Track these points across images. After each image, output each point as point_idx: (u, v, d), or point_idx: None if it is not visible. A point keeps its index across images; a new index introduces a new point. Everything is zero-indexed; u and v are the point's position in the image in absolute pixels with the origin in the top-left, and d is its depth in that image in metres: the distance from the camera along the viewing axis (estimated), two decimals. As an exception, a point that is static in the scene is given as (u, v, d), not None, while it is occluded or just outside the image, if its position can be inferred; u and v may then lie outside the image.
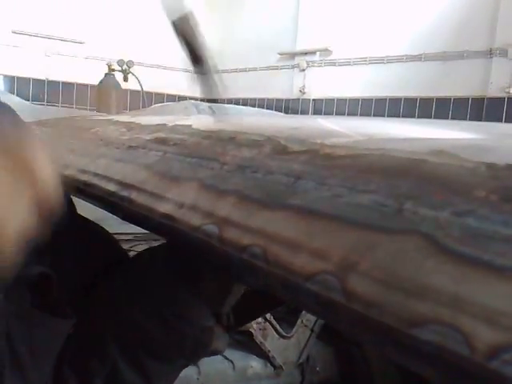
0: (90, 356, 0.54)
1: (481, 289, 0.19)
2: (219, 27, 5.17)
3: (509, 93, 3.43)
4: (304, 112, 4.43)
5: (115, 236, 1.26)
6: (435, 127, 0.55)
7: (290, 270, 0.26)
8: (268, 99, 4.71)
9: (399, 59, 3.88)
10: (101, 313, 0.57)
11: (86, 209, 0.58)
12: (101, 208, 0.49)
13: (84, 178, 0.47)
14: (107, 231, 0.67)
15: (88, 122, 0.82)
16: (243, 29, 4.91)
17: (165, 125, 0.52)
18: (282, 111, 4.39)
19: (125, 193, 0.40)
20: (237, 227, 0.30)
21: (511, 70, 3.44)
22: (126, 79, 2.92)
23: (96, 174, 0.45)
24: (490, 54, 3.56)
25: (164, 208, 0.36)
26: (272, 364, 1.54)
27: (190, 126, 0.48)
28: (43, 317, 0.48)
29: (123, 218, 0.44)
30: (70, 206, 0.57)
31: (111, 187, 0.42)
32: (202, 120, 0.53)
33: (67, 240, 0.51)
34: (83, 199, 0.53)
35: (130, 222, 0.43)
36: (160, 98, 4.71)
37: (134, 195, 0.39)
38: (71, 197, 0.55)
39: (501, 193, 0.23)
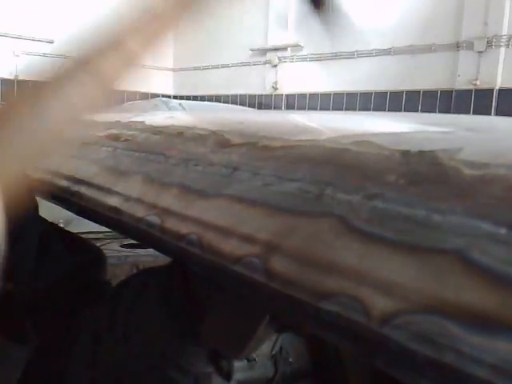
0: None
1: (379, 263, 0.21)
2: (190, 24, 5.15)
3: (476, 85, 3.51)
4: (277, 107, 4.46)
5: (86, 235, 1.25)
6: (384, 119, 0.57)
7: (221, 255, 0.27)
8: (241, 95, 4.72)
9: (369, 54, 3.94)
10: (79, 350, 0.52)
11: (54, 208, 0.57)
12: (57, 205, 0.50)
13: (38, 175, 0.48)
14: (70, 232, 0.65)
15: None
16: (214, 25, 4.90)
17: (119, 121, 0.53)
18: (255, 107, 4.41)
19: (75, 188, 0.41)
20: (177, 217, 0.32)
21: (478, 62, 3.52)
22: (95, 77, 2.89)
23: (49, 171, 0.46)
24: (457, 47, 3.63)
25: (111, 201, 0.37)
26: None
27: (143, 122, 0.49)
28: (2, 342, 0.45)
29: (77, 214, 0.45)
30: (33, 207, 0.55)
31: (63, 183, 0.43)
32: (156, 117, 0.54)
33: (28, 244, 0.50)
34: (41, 197, 0.53)
35: (83, 217, 0.44)
36: (133, 96, 4.66)
37: (83, 190, 0.40)
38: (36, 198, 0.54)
39: (408, 177, 0.25)
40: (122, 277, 1.47)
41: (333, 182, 0.27)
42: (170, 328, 0.48)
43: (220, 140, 0.38)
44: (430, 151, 0.26)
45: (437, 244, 0.20)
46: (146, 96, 4.77)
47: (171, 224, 0.31)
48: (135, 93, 4.72)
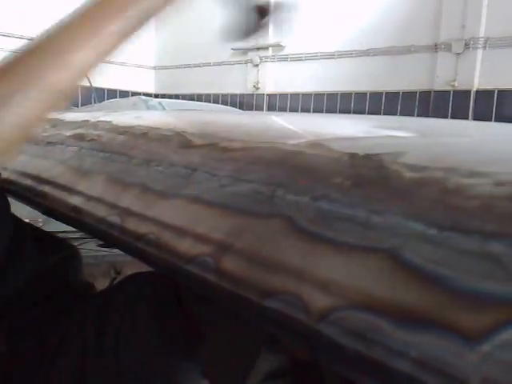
0: None
1: (320, 262, 0.22)
2: (172, 23, 5.13)
3: (454, 86, 3.57)
4: (258, 107, 4.47)
5: (64, 234, 1.24)
6: (346, 122, 0.59)
7: (176, 254, 0.28)
8: (223, 94, 4.72)
9: (349, 54, 3.97)
10: (64, 362, 0.49)
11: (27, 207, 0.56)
12: (24, 204, 0.50)
13: (5, 175, 0.48)
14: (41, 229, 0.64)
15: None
16: (196, 24, 4.89)
17: (87, 121, 0.53)
18: (237, 106, 4.41)
19: (40, 188, 0.41)
20: (136, 217, 0.32)
21: (456, 64, 3.57)
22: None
23: (15, 171, 0.46)
24: (435, 48, 3.68)
25: (74, 201, 0.37)
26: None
27: (110, 122, 0.50)
28: None
29: (43, 213, 0.46)
30: (3, 207, 0.53)
31: (28, 182, 0.43)
32: (124, 116, 0.55)
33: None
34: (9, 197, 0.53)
35: (50, 217, 0.44)
36: (113, 94, 4.64)
37: (47, 189, 0.40)
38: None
39: (353, 179, 0.26)
40: (98, 277, 1.46)
41: (284, 184, 0.28)
42: (164, 342, 0.47)
43: (182, 141, 0.39)
44: (375, 154, 0.27)
45: (372, 244, 0.21)
46: (126, 94, 4.74)
47: (131, 224, 0.32)
48: (115, 91, 4.69)
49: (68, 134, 0.50)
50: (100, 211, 0.35)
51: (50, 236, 0.64)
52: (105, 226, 0.33)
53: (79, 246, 1.57)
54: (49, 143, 0.48)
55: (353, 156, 0.28)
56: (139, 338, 0.48)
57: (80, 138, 0.47)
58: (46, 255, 0.55)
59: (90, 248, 1.41)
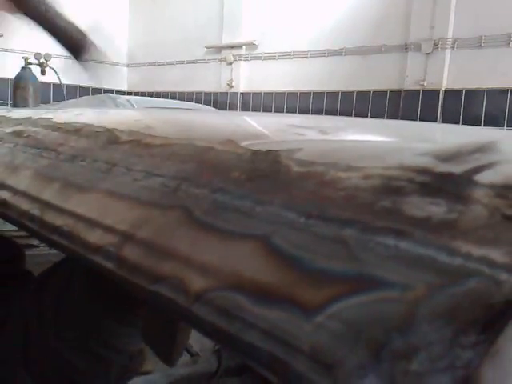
0: None
1: (205, 248, 0.24)
2: (144, 20, 5.11)
3: (423, 85, 3.63)
4: (232, 105, 4.48)
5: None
6: (274, 119, 0.61)
7: (85, 245, 0.29)
8: (197, 92, 4.72)
9: (321, 54, 4.01)
10: (10, 337, 0.52)
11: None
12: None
13: None
14: None
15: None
16: (169, 21, 4.87)
17: (30, 118, 0.54)
18: (211, 104, 4.41)
19: (-28, 183, 0.42)
20: (54, 210, 0.34)
21: (425, 64, 3.64)
22: (43, 72, 2.85)
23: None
24: (405, 48, 3.75)
25: (2, 195, 0.38)
26: (189, 352, 1.57)
27: (50, 119, 0.51)
28: None
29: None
30: None
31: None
32: (66, 113, 0.55)
33: None
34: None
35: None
36: (85, 91, 4.59)
37: (-21, 185, 0.41)
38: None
39: (248, 173, 0.28)
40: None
41: (189, 178, 0.30)
42: (102, 310, 0.48)
43: (111, 137, 0.40)
44: (274, 151, 0.29)
45: (249, 231, 0.23)
46: (99, 91, 4.69)
47: (48, 217, 0.33)
48: (87, 88, 4.65)
49: (8, 130, 0.51)
50: (24, 205, 0.36)
51: None
52: (25, 220, 0.35)
53: (42, 243, 1.57)
54: (-12, 140, 0.49)
55: (255, 152, 0.30)
56: (77, 308, 0.49)
57: (18, 134, 0.48)
58: None
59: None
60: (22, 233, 1.59)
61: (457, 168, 0.21)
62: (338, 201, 0.22)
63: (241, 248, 0.22)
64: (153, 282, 0.24)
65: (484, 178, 0.20)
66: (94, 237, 0.29)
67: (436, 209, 0.19)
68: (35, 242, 1.55)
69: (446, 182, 0.21)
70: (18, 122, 0.54)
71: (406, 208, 0.20)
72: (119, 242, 0.28)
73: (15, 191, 0.38)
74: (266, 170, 0.27)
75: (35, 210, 0.35)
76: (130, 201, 0.30)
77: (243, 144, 0.32)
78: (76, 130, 0.44)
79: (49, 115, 0.54)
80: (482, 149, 0.24)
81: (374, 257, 0.18)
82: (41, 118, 0.53)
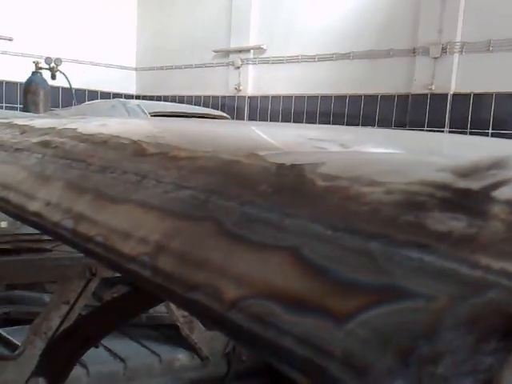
0: None
1: (237, 258, 0.26)
2: (153, 24, 5.15)
3: (431, 89, 3.64)
4: (240, 109, 4.51)
5: (38, 236, 1.25)
6: (295, 131, 0.62)
7: (120, 254, 0.31)
8: (204, 96, 4.75)
9: (329, 58, 4.03)
10: None
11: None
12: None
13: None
14: None
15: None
16: (177, 26, 4.90)
17: (54, 128, 0.56)
18: (218, 108, 4.44)
19: (4, 193, 0.44)
20: (88, 221, 0.35)
21: (433, 67, 3.65)
22: (53, 77, 2.88)
23: (-18, 177, 0.49)
24: (413, 52, 3.75)
25: (34, 206, 0.40)
26: (199, 355, 1.60)
27: (75, 129, 0.53)
28: None
29: (11, 217, 0.48)
30: None
31: (-6, 188, 0.46)
32: (89, 124, 0.57)
33: None
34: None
35: (17, 220, 0.47)
36: (93, 95, 4.64)
37: (11, 195, 0.43)
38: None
39: (275, 187, 0.29)
40: (73, 278, 1.47)
41: (218, 190, 0.31)
42: None
43: (138, 149, 0.42)
44: (299, 165, 0.30)
45: (280, 243, 0.25)
46: (108, 95, 4.74)
47: (82, 227, 0.35)
48: (96, 92, 4.70)
49: (34, 140, 0.53)
50: (56, 216, 0.38)
51: None
52: (60, 229, 0.36)
53: (55, 248, 1.59)
54: (16, 150, 0.51)
55: (280, 166, 0.31)
56: None
57: (45, 144, 0.50)
58: None
59: (65, 250, 1.43)
60: (36, 237, 1.62)
61: (475, 184, 0.23)
62: (362, 215, 0.24)
63: (272, 259, 0.24)
64: (189, 289, 0.26)
65: (501, 194, 0.22)
66: (128, 247, 0.31)
67: (457, 223, 0.21)
68: (48, 246, 1.57)
69: (466, 198, 0.22)
70: (44, 131, 0.56)
71: (429, 222, 0.21)
72: (154, 252, 0.29)
73: (47, 202, 0.40)
74: (291, 184, 0.29)
75: (67, 221, 0.37)
76: (162, 212, 0.32)
77: (267, 157, 0.33)
78: (103, 142, 0.46)
79: (73, 125, 0.56)
80: (497, 164, 0.26)
81: (400, 269, 0.20)
82: (66, 129, 0.55)
